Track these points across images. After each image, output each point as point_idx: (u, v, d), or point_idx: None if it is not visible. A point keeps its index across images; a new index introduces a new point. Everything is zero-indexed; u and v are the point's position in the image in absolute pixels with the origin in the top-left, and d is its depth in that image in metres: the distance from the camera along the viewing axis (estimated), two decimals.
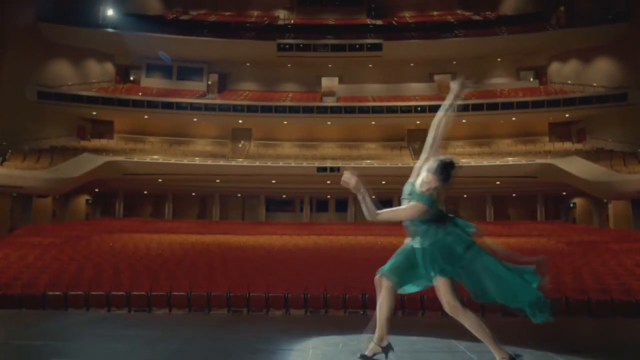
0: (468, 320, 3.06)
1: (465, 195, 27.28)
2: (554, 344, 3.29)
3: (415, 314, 9.28)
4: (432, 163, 3.33)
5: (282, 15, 32.72)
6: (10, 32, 22.56)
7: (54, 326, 4.22)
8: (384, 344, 3.17)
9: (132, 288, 9.89)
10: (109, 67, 28.28)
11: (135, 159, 23.44)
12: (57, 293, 9.27)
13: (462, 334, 3.07)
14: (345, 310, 9.62)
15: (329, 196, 28.31)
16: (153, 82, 28.15)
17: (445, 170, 3.29)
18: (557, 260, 13.05)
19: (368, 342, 3.19)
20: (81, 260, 12.35)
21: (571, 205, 25.74)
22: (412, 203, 3.28)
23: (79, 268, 11.26)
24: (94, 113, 25.44)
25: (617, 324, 7.79)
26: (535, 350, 3.19)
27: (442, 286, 3.13)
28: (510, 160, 23.55)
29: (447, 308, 3.12)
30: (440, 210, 3.34)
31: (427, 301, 9.00)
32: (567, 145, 24.81)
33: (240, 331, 4.08)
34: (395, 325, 3.14)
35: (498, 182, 23.96)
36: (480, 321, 3.08)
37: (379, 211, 3.27)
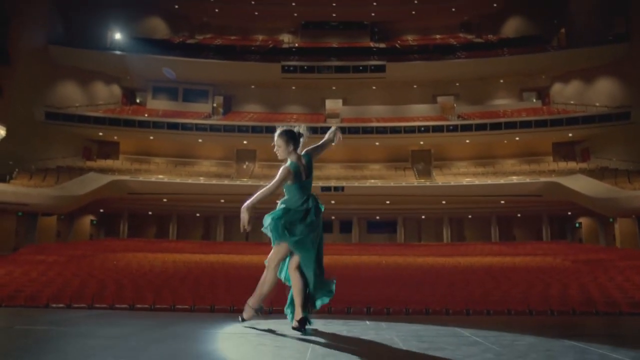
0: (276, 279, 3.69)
1: (469, 216, 27.18)
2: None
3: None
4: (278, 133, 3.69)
5: (287, 39, 33.29)
6: (21, 54, 22.98)
7: (58, 317, 4.22)
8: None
9: (136, 301, 9.85)
10: (116, 89, 28.68)
11: (140, 178, 23.57)
12: (60, 305, 9.23)
13: (465, 322, 3.03)
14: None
15: (333, 217, 28.23)
16: (159, 104, 28.50)
17: (288, 133, 3.66)
18: (563, 277, 12.93)
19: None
20: (84, 277, 12.32)
21: (577, 225, 25.57)
22: (281, 168, 3.61)
23: (82, 283, 11.23)
24: (100, 134, 25.70)
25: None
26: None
27: (275, 248, 3.63)
28: (514, 179, 23.51)
29: (267, 263, 3.66)
30: (302, 187, 3.67)
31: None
32: (572, 164, 24.80)
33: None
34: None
35: (503, 202, 23.89)
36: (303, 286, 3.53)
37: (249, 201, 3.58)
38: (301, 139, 3.70)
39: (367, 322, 3.95)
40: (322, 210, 3.73)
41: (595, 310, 9.07)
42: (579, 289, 10.70)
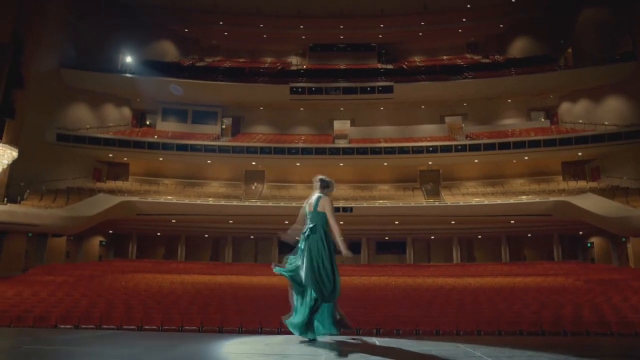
0: None
1: (479, 237, 26.95)
2: None
3: None
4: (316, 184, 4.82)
5: (295, 62, 33.69)
6: (34, 77, 23.39)
7: (66, 338, 4.20)
8: None
9: (144, 322, 9.81)
10: (126, 112, 29.04)
11: (150, 200, 23.67)
12: (69, 326, 9.21)
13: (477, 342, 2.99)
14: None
15: (341, 238, 28.06)
16: (169, 126, 28.79)
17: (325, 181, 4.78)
18: (576, 297, 12.72)
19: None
20: (93, 297, 12.30)
21: (589, 245, 25.24)
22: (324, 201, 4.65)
23: (91, 304, 11.21)
24: (111, 155, 25.94)
25: None
26: None
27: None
28: (524, 199, 23.34)
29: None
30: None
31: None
32: (582, 184, 24.60)
33: None
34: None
35: (513, 222, 23.68)
36: None
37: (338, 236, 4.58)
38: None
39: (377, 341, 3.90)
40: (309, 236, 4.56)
41: (610, 331, 8.89)
42: (592, 310, 10.52)
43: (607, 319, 9.60)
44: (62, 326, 9.18)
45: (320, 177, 4.79)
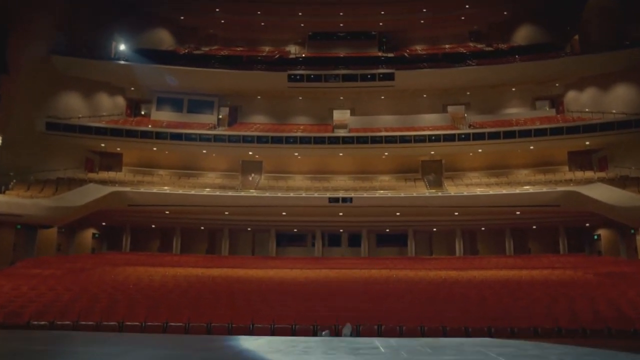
0: None
1: (483, 228, 26.26)
2: None
3: None
4: None
5: (294, 50, 32.85)
6: (23, 63, 22.57)
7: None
8: None
9: (127, 318, 9.12)
10: (120, 101, 28.23)
11: (142, 190, 22.96)
12: (42, 323, 8.50)
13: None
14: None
15: (341, 230, 27.45)
16: (163, 116, 27.99)
17: None
18: (588, 291, 12.03)
19: None
20: (77, 291, 11.62)
21: (595, 237, 24.53)
22: None
23: (73, 298, 10.52)
24: (103, 145, 25.18)
25: None
26: None
27: None
28: (529, 189, 22.61)
29: None
30: None
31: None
32: (589, 174, 23.82)
33: None
34: None
35: (518, 213, 22.95)
36: None
37: None
38: None
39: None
40: None
41: (634, 328, 8.18)
42: (608, 305, 9.82)
43: (628, 314, 8.89)
44: (35, 322, 8.47)
45: None
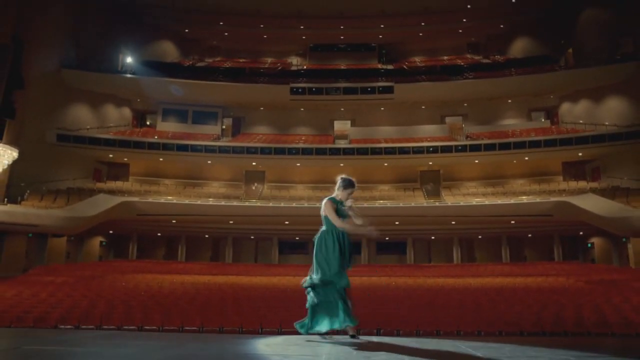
0: None
1: (480, 237, 26.93)
2: None
3: None
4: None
5: (295, 62, 33.67)
6: (34, 77, 23.39)
7: (66, 338, 4.18)
8: None
9: (144, 323, 9.79)
10: (126, 112, 29.02)
11: (150, 200, 23.65)
12: (68, 327, 9.19)
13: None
14: None
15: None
16: (169, 126, 28.77)
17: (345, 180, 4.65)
18: (577, 298, 12.69)
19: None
20: (93, 297, 12.29)
21: (589, 245, 25.22)
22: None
23: (91, 304, 11.20)
24: (111, 155, 25.93)
25: None
26: None
27: None
28: (524, 199, 23.32)
29: None
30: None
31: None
32: (582, 184, 24.56)
33: None
34: None
35: (513, 222, 23.65)
36: None
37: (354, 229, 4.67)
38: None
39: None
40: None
41: (611, 331, 8.88)
42: (593, 310, 10.50)
43: (608, 319, 9.58)
44: (62, 326, 9.16)
45: (342, 176, 4.71)
